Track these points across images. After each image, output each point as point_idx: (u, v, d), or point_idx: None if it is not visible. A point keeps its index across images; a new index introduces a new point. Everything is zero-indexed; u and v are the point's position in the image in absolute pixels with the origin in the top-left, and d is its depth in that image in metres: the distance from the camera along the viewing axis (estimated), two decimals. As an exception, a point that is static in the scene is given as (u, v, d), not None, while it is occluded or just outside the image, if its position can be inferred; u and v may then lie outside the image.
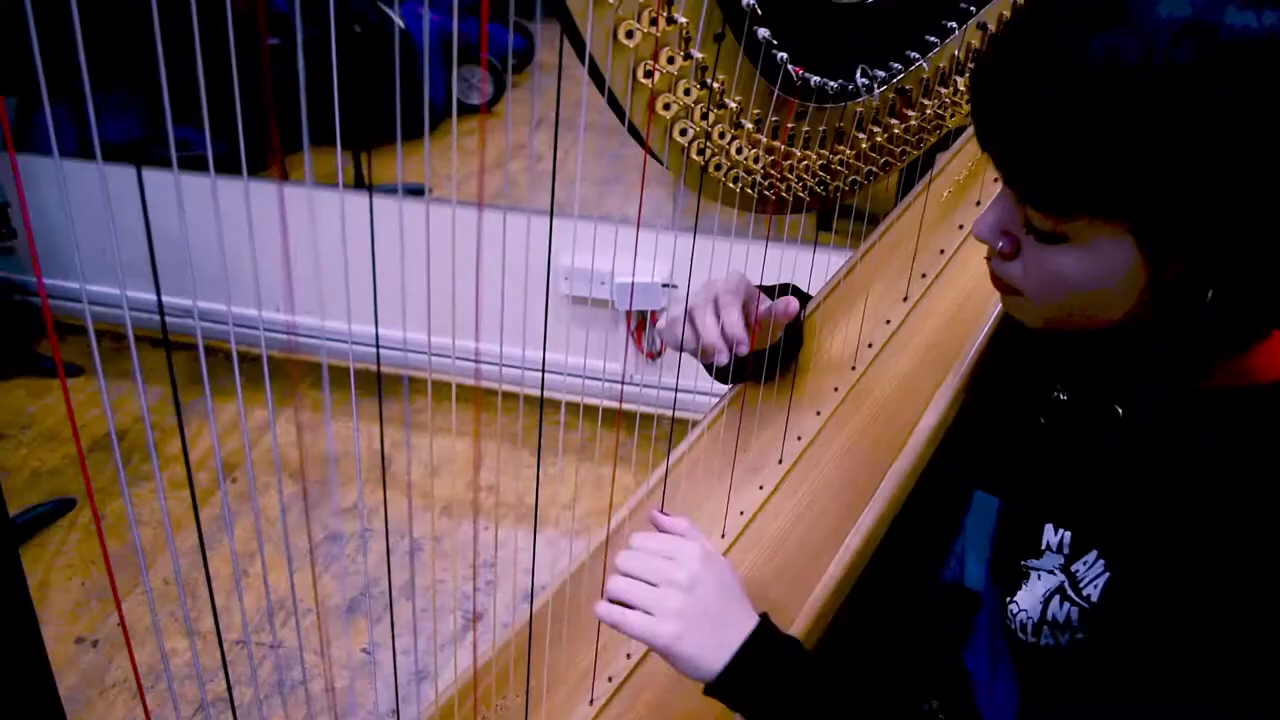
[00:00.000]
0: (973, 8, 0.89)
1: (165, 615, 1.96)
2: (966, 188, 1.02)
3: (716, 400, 1.08)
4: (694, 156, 0.83)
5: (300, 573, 2.04)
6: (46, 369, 2.56)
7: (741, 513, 1.01)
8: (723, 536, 1.00)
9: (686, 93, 0.80)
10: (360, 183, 2.76)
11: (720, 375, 1.03)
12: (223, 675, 0.83)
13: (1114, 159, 0.56)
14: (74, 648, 1.87)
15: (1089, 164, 0.57)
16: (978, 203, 1.02)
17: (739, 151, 0.85)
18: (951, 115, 0.94)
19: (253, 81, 0.61)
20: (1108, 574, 0.70)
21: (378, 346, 0.78)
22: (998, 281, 0.72)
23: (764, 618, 0.74)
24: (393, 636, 1.72)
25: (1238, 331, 0.64)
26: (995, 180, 1.03)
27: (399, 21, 3.13)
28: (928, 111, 0.91)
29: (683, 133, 0.82)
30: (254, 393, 2.54)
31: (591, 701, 0.94)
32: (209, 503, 2.24)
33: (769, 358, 0.99)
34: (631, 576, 0.74)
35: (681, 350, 0.96)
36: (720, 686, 0.72)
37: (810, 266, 1.03)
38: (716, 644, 0.72)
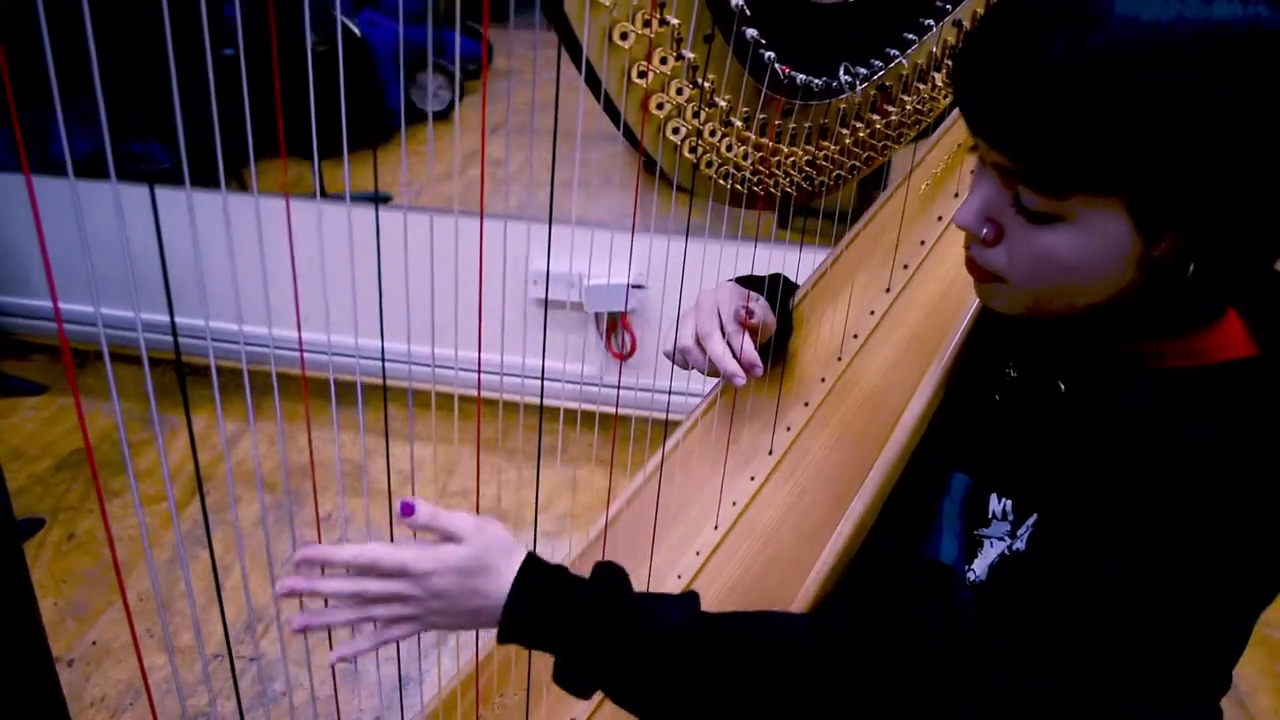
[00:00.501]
0: (948, 5, 0.92)
1: (142, 632, 1.94)
2: (944, 180, 1.05)
3: (704, 395, 1.10)
4: (686, 155, 0.85)
5: (276, 582, 2.03)
6: (12, 387, 2.51)
7: (734, 504, 1.03)
8: (715, 528, 1.02)
9: (679, 92, 0.82)
10: (321, 191, 2.75)
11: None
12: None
13: (1113, 138, 0.58)
14: (49, 668, 1.85)
15: (1089, 143, 0.58)
16: (955, 194, 1.05)
17: (729, 149, 0.87)
18: (930, 110, 0.97)
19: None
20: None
21: (384, 357, 0.79)
22: (976, 269, 0.72)
23: (521, 571, 0.74)
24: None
25: (1208, 306, 0.68)
26: (972, 172, 1.06)
27: (355, 30, 3.11)
28: (907, 107, 0.94)
29: (675, 131, 0.84)
30: (226, 406, 2.52)
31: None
32: (182, 516, 2.22)
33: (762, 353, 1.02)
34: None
35: (685, 368, 0.99)
36: (506, 638, 0.73)
37: (769, 263, 1.05)
38: (473, 620, 0.73)
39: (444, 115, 3.41)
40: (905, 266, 1.04)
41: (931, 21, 0.91)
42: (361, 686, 1.89)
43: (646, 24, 0.77)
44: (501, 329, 2.09)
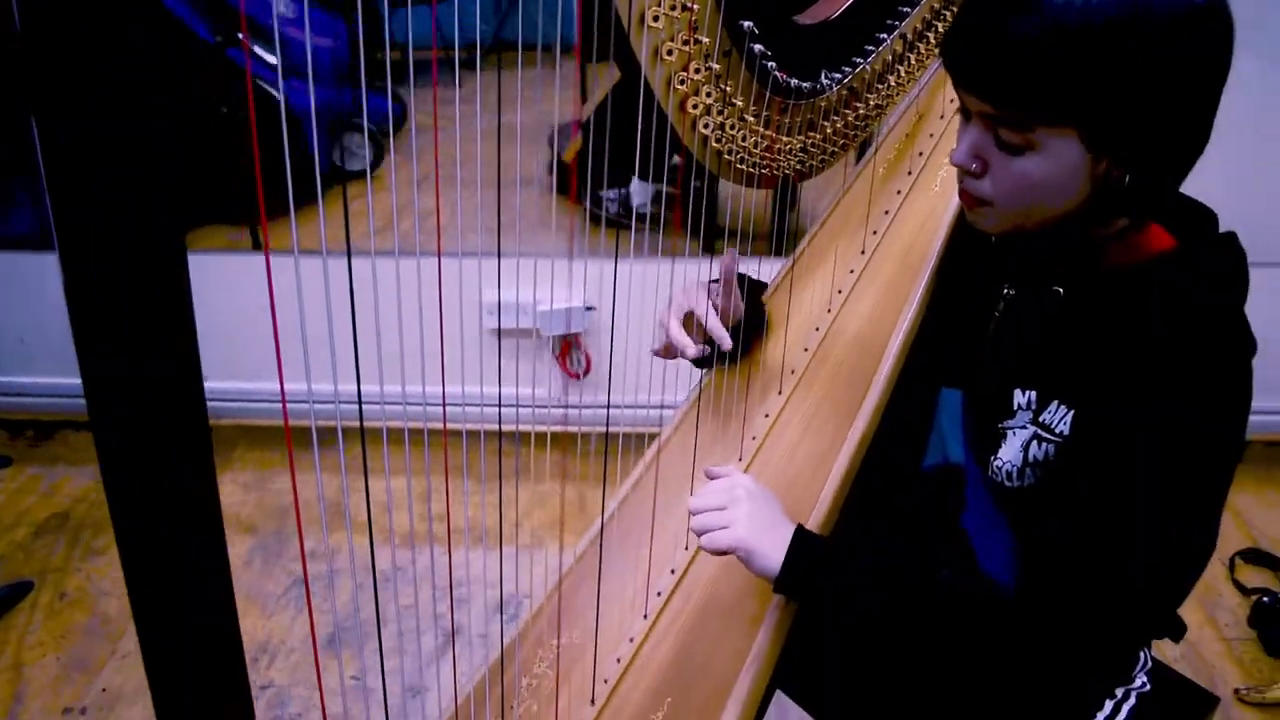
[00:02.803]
0: (897, 22, 1.18)
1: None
2: (899, 162, 1.31)
3: (660, 406, 1.29)
4: (713, 145, 1.08)
5: (273, 617, 2.12)
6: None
7: (754, 438, 1.24)
8: (740, 459, 1.23)
9: (707, 95, 1.04)
10: (258, 247, 2.87)
11: (701, 364, 1.28)
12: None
13: (1064, 84, 0.82)
14: (62, 718, 1.89)
15: (1054, 83, 0.83)
16: (909, 172, 1.31)
17: (743, 140, 1.10)
18: (888, 105, 1.22)
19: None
20: (1072, 412, 0.95)
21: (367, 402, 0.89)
22: (967, 198, 0.95)
23: (799, 525, 1.00)
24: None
25: (1140, 213, 0.93)
26: (920, 154, 1.33)
27: (277, 95, 3.25)
28: (871, 103, 1.19)
29: (705, 126, 1.06)
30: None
31: (646, 615, 1.13)
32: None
33: (738, 336, 1.23)
34: (704, 508, 1.00)
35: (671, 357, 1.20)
36: (784, 576, 0.96)
37: (694, 276, 1.20)
38: (774, 541, 0.97)
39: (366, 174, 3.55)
40: (874, 232, 1.29)
41: (884, 35, 1.17)
42: (372, 702, 1.99)
43: (685, 42, 1.00)
44: (459, 362, 2.24)
